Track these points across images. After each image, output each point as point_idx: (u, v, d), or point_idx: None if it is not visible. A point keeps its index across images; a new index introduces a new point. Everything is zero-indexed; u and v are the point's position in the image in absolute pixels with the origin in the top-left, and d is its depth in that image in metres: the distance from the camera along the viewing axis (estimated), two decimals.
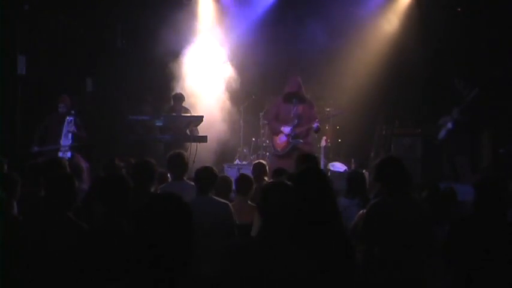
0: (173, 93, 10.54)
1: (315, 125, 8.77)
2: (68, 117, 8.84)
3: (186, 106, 10.50)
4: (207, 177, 5.32)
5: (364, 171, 9.93)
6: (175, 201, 2.45)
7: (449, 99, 9.68)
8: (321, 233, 3.61)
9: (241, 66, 10.96)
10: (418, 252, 4.46)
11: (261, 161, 7.56)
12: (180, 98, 10.42)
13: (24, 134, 9.25)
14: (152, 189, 5.50)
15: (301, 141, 8.83)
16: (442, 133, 9.61)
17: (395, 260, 4.42)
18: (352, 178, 6.15)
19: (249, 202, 5.84)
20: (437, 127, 9.70)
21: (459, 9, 10.73)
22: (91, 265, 3.61)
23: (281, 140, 8.93)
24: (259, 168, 6.79)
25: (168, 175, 6.29)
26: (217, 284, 2.53)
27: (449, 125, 9.46)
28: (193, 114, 10.21)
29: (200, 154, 9.69)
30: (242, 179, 6.04)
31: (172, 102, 10.49)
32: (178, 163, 6.06)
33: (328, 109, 10.80)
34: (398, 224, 4.44)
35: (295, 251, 3.16)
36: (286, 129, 8.81)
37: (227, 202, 5.34)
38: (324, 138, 9.62)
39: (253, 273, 3.08)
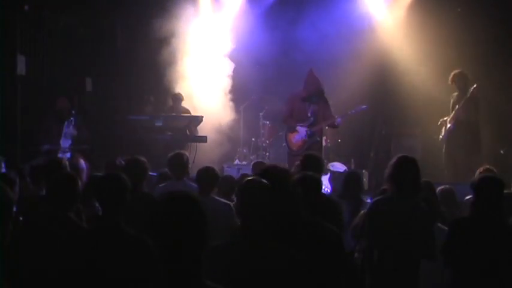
0: (172, 94, 10.55)
1: (338, 120, 8.75)
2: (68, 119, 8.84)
3: (186, 106, 10.52)
4: (209, 177, 5.30)
5: (363, 171, 9.96)
6: (190, 201, 2.41)
7: (449, 98, 9.66)
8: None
9: (242, 65, 10.96)
10: (417, 254, 4.46)
11: (261, 160, 7.54)
12: (179, 98, 10.44)
13: (24, 134, 9.24)
14: (146, 188, 5.50)
15: (318, 139, 8.82)
16: (443, 133, 9.59)
17: (394, 259, 4.41)
18: (348, 179, 6.16)
19: None
20: (439, 127, 9.68)
21: (459, 9, 10.73)
22: (90, 265, 3.61)
23: (296, 139, 8.86)
24: (259, 168, 6.74)
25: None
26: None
27: (450, 125, 9.44)
28: (192, 114, 10.22)
29: (200, 154, 9.70)
30: (240, 179, 6.01)
31: (171, 102, 10.50)
32: (179, 163, 6.05)
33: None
34: (399, 223, 4.43)
35: (279, 248, 3.14)
36: (302, 129, 8.78)
37: (229, 202, 5.31)
38: (324, 138, 9.60)
39: (236, 274, 3.06)
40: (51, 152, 8.48)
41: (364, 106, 9.17)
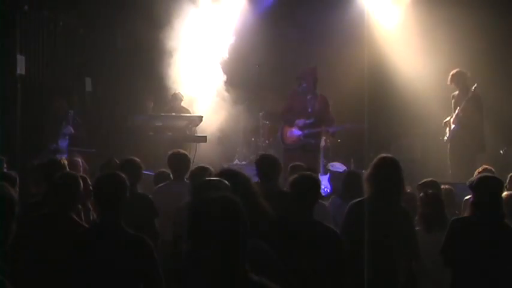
0: (172, 93, 10.55)
1: (331, 129, 8.77)
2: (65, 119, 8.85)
3: (185, 106, 10.52)
4: (203, 177, 5.28)
5: (363, 171, 9.94)
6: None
7: (449, 98, 9.66)
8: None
9: (241, 65, 10.97)
10: (397, 254, 4.42)
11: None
12: (178, 97, 10.44)
13: (24, 134, 9.25)
14: (141, 189, 5.50)
15: (313, 141, 8.80)
16: (447, 134, 9.58)
17: (374, 260, 4.34)
18: (348, 178, 6.14)
19: None
20: (443, 128, 9.68)
21: (458, 9, 10.72)
22: (90, 264, 3.62)
23: (292, 133, 8.85)
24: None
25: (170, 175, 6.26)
26: None
27: (454, 126, 9.44)
28: (192, 114, 10.22)
29: (200, 154, 9.70)
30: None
31: (171, 102, 10.50)
32: (179, 163, 6.04)
33: None
34: (378, 225, 4.37)
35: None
36: (300, 122, 8.76)
37: None
38: (324, 138, 9.61)
39: None
40: (57, 151, 8.50)
41: (361, 124, 9.24)
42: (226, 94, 10.90)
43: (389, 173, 4.51)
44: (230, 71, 10.96)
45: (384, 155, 4.71)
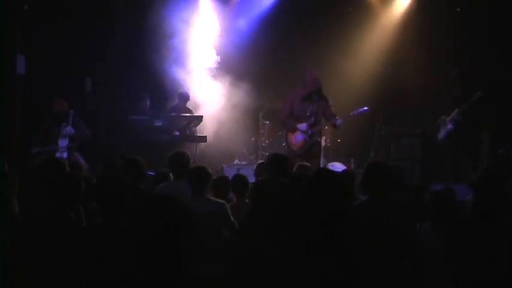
0: (179, 92, 10.55)
1: (339, 120, 8.71)
2: (65, 119, 8.84)
3: (189, 106, 10.53)
4: (200, 177, 5.30)
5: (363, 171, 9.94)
6: (171, 203, 2.42)
7: (449, 99, 9.67)
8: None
9: (241, 65, 10.98)
10: (398, 256, 4.42)
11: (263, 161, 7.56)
12: (185, 97, 10.46)
13: (24, 134, 9.25)
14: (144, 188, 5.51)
15: (318, 139, 8.80)
16: (442, 133, 9.60)
17: (375, 260, 4.34)
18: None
19: (248, 201, 5.80)
20: (437, 127, 9.69)
21: (458, 9, 10.75)
22: (89, 265, 3.62)
23: (297, 139, 8.80)
24: (262, 169, 6.79)
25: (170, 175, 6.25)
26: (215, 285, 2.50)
27: (450, 126, 9.45)
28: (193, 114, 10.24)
29: (199, 154, 9.71)
30: (236, 179, 6.02)
31: (177, 101, 10.50)
32: (179, 163, 6.04)
33: None
34: (378, 227, 4.38)
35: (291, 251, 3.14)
36: (303, 127, 8.73)
37: (223, 201, 5.32)
38: (324, 138, 9.61)
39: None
40: (42, 154, 8.47)
41: (365, 108, 9.16)
42: (226, 93, 10.91)
43: (378, 179, 4.54)
44: (230, 71, 10.97)
45: (372, 160, 4.77)
